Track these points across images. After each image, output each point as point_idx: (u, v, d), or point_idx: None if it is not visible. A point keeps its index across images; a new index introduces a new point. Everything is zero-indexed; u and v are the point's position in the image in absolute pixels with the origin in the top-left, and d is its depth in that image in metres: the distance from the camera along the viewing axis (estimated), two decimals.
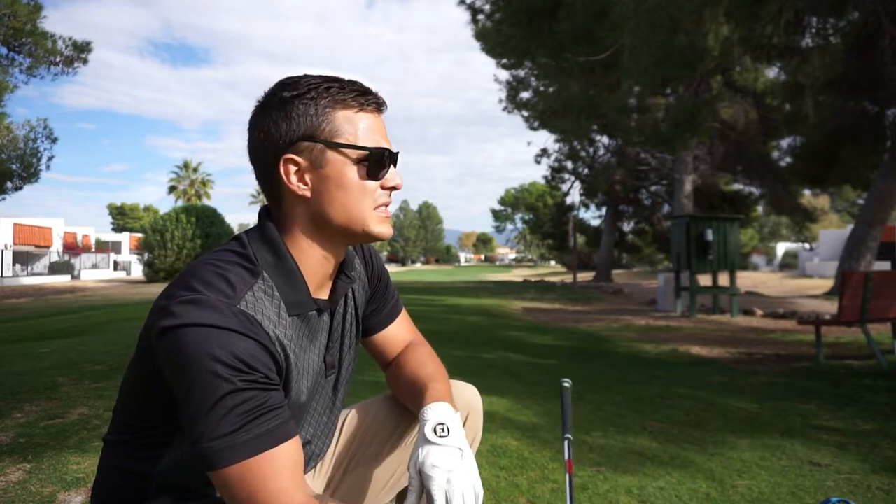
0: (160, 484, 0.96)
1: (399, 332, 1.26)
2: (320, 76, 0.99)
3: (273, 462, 0.83)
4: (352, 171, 0.97)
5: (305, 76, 0.99)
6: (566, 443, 1.18)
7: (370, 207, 0.99)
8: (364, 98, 0.98)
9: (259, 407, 0.83)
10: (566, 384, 1.30)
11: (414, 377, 1.17)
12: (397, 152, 1.02)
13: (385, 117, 1.03)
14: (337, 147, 0.96)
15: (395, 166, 1.02)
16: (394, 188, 1.02)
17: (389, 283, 1.25)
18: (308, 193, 0.98)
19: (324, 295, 1.06)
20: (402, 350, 1.26)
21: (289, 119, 0.96)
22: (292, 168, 0.98)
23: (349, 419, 1.26)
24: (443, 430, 1.01)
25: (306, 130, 0.96)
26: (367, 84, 1.01)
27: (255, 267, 0.94)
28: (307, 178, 0.98)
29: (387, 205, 1.02)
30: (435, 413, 1.04)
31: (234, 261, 0.94)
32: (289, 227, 1.00)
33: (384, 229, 1.02)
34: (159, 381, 0.88)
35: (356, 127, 0.97)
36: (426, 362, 1.21)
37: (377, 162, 0.98)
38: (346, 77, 1.00)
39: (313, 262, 1.01)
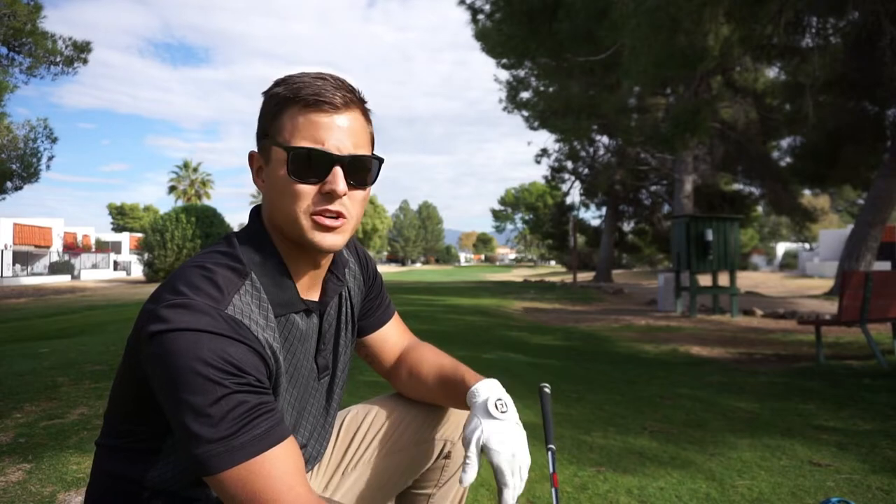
0: (152, 489, 0.95)
1: (394, 333, 1.27)
2: (307, 73, 0.95)
3: (274, 462, 0.82)
4: (283, 171, 0.92)
5: (295, 74, 0.96)
6: (550, 454, 1.09)
7: (300, 211, 0.92)
8: (315, 96, 0.90)
9: (254, 409, 0.82)
10: (546, 389, 1.19)
11: (440, 367, 1.19)
12: (339, 155, 0.91)
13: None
14: (273, 145, 0.93)
15: (344, 169, 0.92)
16: (331, 193, 0.91)
17: (383, 285, 1.26)
18: (265, 191, 0.98)
19: (314, 296, 1.04)
20: (411, 348, 1.26)
21: (258, 116, 0.97)
22: (255, 165, 0.99)
23: (348, 420, 1.25)
24: (503, 405, 1.04)
25: (263, 127, 0.96)
26: (351, 82, 0.96)
27: (243, 268, 0.92)
28: (263, 175, 0.97)
29: (330, 212, 0.92)
30: (489, 390, 1.06)
31: (222, 262, 0.92)
32: (271, 225, 0.98)
33: (319, 238, 0.93)
34: (148, 386, 0.87)
35: (294, 125, 0.91)
36: (442, 354, 1.23)
37: (296, 161, 0.90)
38: (340, 76, 0.96)
39: (298, 261, 0.99)
